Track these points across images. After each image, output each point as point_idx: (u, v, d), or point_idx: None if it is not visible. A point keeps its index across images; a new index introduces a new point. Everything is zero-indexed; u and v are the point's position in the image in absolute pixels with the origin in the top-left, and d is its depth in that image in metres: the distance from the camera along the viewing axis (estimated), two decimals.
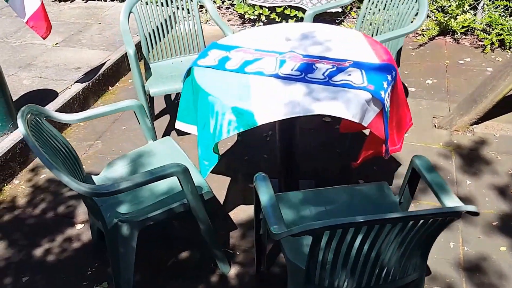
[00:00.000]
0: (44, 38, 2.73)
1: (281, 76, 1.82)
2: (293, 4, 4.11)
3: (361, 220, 1.15)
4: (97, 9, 4.44)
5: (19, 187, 2.53)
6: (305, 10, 4.11)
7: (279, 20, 4.21)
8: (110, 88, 3.43)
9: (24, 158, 2.65)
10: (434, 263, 1.97)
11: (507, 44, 3.60)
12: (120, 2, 4.57)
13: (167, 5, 2.75)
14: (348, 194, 1.76)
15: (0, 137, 2.62)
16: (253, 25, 4.33)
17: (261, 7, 4.22)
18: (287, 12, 4.17)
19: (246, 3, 4.31)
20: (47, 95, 3.03)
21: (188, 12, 2.77)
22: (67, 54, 3.58)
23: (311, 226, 1.19)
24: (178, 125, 2.09)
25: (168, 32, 2.77)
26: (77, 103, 3.09)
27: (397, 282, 1.45)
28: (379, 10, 2.70)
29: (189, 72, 1.97)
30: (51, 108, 2.87)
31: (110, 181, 1.91)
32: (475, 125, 2.76)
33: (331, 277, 1.38)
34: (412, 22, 2.52)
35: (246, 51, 2.03)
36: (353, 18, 4.21)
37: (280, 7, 4.16)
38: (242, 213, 2.27)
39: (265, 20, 4.28)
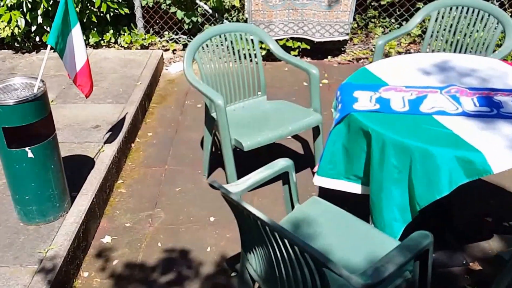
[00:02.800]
0: (87, 97, 2.55)
1: (471, 114, 1.85)
2: (295, 36, 4.33)
3: None
4: None
5: (93, 281, 2.28)
6: (308, 41, 4.38)
7: None
8: (132, 145, 3.25)
9: (85, 243, 2.39)
10: None
11: None
12: (94, 49, 4.38)
13: (228, 50, 2.76)
14: None
15: (56, 221, 2.34)
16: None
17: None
18: (289, 44, 4.37)
19: (240, 38, 4.41)
20: (83, 163, 2.79)
21: (249, 54, 2.80)
22: (74, 112, 3.33)
23: None
24: (319, 180, 2.04)
25: (231, 78, 2.78)
26: (115, 168, 2.88)
27: None
28: (446, 41, 2.88)
29: (341, 120, 1.93)
30: (96, 177, 2.64)
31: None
32: None
33: None
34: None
35: (397, 88, 2.05)
36: (353, 44, 4.55)
37: (281, 39, 4.35)
38: None
39: (264, 55, 4.42)
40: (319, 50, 4.47)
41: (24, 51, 4.40)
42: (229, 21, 4.46)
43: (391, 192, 1.78)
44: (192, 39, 4.53)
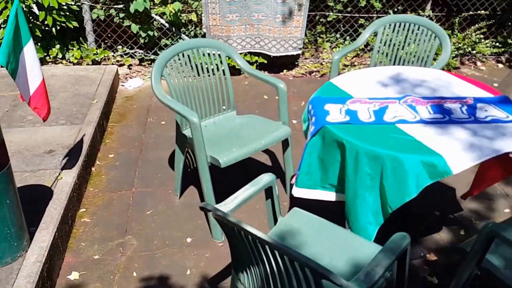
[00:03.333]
0: (44, 120, 2.25)
1: (428, 121, 1.96)
2: (253, 50, 4.22)
3: None
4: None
5: None
6: (265, 55, 4.29)
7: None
8: (92, 169, 2.95)
9: (50, 283, 2.08)
10: None
11: None
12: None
13: (196, 67, 2.57)
14: None
15: (14, 262, 2.01)
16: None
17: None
18: (247, 58, 4.26)
19: (208, 54, 4.23)
20: (39, 193, 2.45)
21: (218, 70, 2.64)
22: (22, 137, 2.96)
23: None
24: (298, 192, 2.04)
25: (200, 94, 2.59)
26: (76, 196, 2.57)
27: None
28: (386, 54, 3.01)
29: (315, 133, 1.95)
30: (56, 207, 2.33)
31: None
32: None
33: None
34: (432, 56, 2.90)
35: (361, 101, 2.12)
36: (305, 58, 4.53)
37: (240, 53, 4.21)
38: None
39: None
40: (275, 64, 4.42)
41: None
42: (187, 36, 4.26)
43: (365, 198, 1.86)
44: (148, 53, 4.30)
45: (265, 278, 1.49)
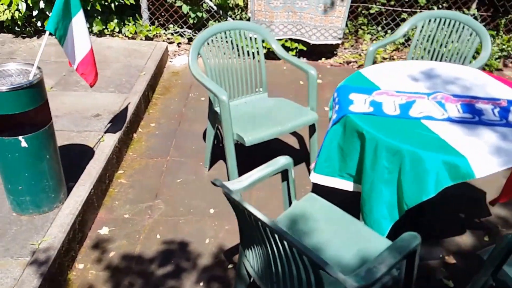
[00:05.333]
0: (91, 86, 2.24)
1: (456, 119, 1.76)
2: (294, 37, 4.05)
3: None
4: None
5: (88, 273, 1.98)
6: (305, 43, 4.10)
7: None
8: (134, 135, 2.95)
9: (81, 234, 2.10)
10: None
11: None
12: (98, 37, 4.03)
13: (232, 48, 2.47)
14: None
15: (51, 211, 2.04)
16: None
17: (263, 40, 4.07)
18: (287, 44, 4.09)
19: (245, 36, 4.12)
20: (82, 152, 2.47)
21: (252, 52, 2.52)
22: (74, 100, 2.99)
23: None
24: (316, 178, 1.91)
25: (234, 74, 2.49)
26: (115, 158, 2.58)
27: None
28: (424, 49, 2.77)
29: (338, 120, 1.80)
30: (95, 167, 2.34)
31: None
32: None
33: None
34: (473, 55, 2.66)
35: (388, 93, 1.94)
36: (344, 48, 4.30)
37: (281, 39, 4.06)
38: None
39: (264, 53, 4.13)
40: (314, 52, 4.22)
41: (25, 35, 4.00)
42: (233, 19, 4.14)
43: (381, 191, 1.70)
44: (197, 33, 4.21)
45: (267, 260, 1.39)
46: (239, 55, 2.51)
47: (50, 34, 1.89)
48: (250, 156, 2.78)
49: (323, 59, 4.22)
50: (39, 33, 4.02)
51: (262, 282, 1.52)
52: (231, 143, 2.23)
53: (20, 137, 1.78)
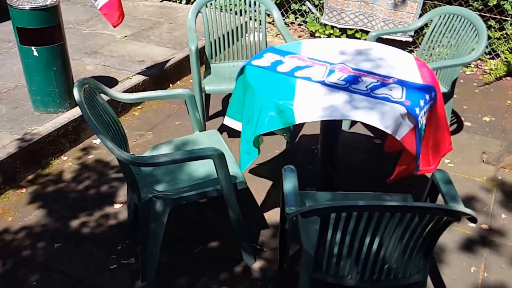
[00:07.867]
0: (114, 27, 2.80)
1: (327, 83, 1.85)
2: (364, 28, 4.00)
3: (363, 204, 1.25)
4: (170, 9, 4.58)
5: (66, 163, 2.60)
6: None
7: None
8: (170, 85, 3.48)
9: (75, 137, 2.72)
10: (451, 284, 1.95)
11: None
12: (174, 2, 4.68)
13: (236, 14, 2.76)
14: (373, 199, 1.76)
15: (55, 114, 2.71)
16: None
17: (332, 27, 4.15)
18: (357, 35, 4.06)
19: (318, 22, 4.25)
20: (107, 82, 3.12)
21: (255, 20, 2.76)
22: (134, 47, 3.69)
23: (318, 206, 1.29)
24: (227, 120, 2.15)
25: (233, 39, 2.78)
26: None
27: (400, 281, 1.49)
28: (439, 44, 2.66)
29: (242, 71, 2.01)
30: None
31: None
32: None
33: (337, 266, 1.45)
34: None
35: (300, 58, 2.06)
36: (415, 47, 4.01)
37: (351, 29, 4.06)
38: (276, 215, 2.23)
39: None
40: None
41: None
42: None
43: (245, 131, 1.90)
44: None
45: None
46: (240, 21, 2.75)
47: None
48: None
49: None
50: None
51: None
52: (197, 92, 2.57)
53: (32, 47, 2.46)
